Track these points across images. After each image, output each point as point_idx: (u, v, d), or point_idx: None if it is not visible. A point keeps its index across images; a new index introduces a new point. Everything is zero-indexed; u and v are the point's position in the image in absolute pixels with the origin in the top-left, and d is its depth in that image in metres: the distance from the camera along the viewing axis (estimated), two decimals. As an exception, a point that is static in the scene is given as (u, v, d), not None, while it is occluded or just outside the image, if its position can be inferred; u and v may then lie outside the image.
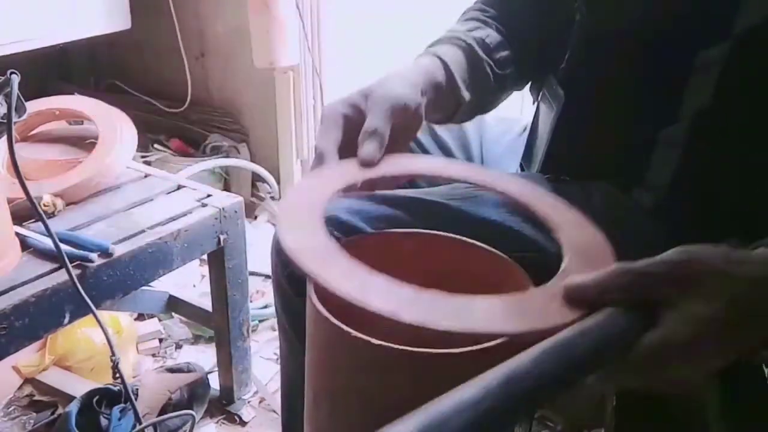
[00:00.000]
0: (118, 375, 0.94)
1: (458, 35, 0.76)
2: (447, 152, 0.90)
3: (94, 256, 0.93)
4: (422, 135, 0.88)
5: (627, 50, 0.72)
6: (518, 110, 1.48)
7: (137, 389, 1.16)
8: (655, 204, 0.70)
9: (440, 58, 0.72)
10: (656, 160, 0.70)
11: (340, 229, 0.65)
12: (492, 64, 0.78)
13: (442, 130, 0.90)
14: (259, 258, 1.51)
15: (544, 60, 0.82)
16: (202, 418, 1.26)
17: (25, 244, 0.95)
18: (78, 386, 1.26)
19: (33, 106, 1.13)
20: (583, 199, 0.70)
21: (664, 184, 0.69)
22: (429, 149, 0.89)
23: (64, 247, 0.88)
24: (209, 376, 1.30)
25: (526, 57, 0.82)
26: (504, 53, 0.80)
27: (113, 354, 0.93)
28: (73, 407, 1.12)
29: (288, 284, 0.70)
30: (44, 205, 1.02)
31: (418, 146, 0.87)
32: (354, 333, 0.50)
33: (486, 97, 0.80)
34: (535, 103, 0.85)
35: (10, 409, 1.28)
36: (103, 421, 1.10)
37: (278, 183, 1.97)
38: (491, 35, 0.79)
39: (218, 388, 1.32)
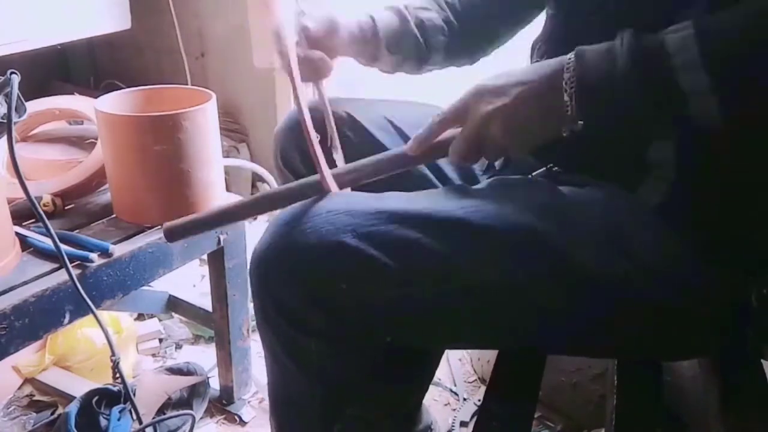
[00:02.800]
0: (118, 375, 0.93)
1: (399, 6, 0.92)
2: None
3: (94, 256, 0.93)
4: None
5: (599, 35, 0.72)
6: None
7: (135, 389, 1.16)
8: (660, 201, 0.69)
9: (371, 16, 0.89)
10: (657, 155, 0.70)
11: (349, 258, 0.63)
12: (420, 31, 0.91)
13: None
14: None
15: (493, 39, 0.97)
16: (202, 417, 1.26)
17: (25, 244, 0.95)
18: (78, 386, 1.26)
19: (33, 106, 1.13)
20: (594, 202, 0.70)
21: (666, 182, 0.68)
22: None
23: (63, 247, 0.88)
24: (209, 376, 1.30)
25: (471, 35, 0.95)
26: (438, 37, 0.93)
27: (113, 354, 0.93)
28: (73, 407, 1.12)
29: (275, 311, 0.68)
30: (44, 205, 1.02)
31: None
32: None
33: (413, 56, 0.93)
34: None
35: (10, 409, 1.28)
36: (103, 421, 1.10)
37: (278, 183, 1.97)
38: (433, 16, 0.93)
39: (218, 388, 1.32)
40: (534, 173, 0.78)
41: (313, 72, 0.87)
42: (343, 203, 0.67)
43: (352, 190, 0.75)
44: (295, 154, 0.93)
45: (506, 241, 0.66)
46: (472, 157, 0.68)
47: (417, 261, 0.65)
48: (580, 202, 0.70)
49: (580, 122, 0.61)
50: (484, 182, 0.75)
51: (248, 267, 1.21)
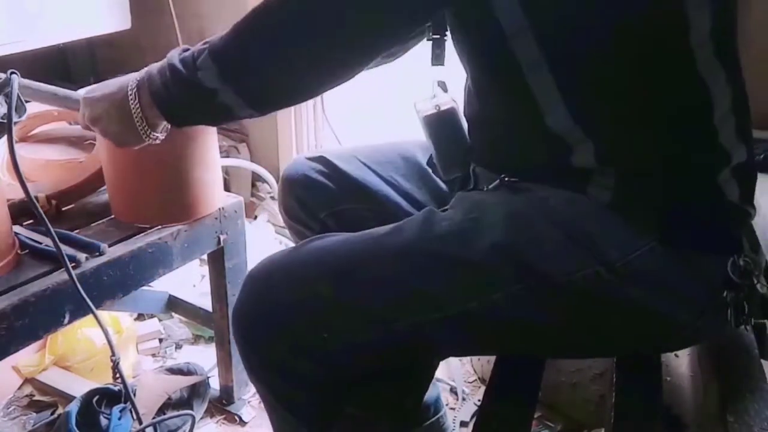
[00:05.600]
0: (118, 375, 0.93)
1: None
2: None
3: (82, 256, 0.93)
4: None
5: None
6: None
7: (135, 389, 1.16)
8: (611, 197, 0.69)
9: None
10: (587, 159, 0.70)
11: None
12: None
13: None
14: (259, 258, 1.51)
15: None
16: (202, 417, 1.26)
17: (23, 244, 0.95)
18: (78, 386, 1.26)
19: (32, 107, 1.13)
20: (539, 202, 0.71)
21: (610, 179, 0.68)
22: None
23: (51, 247, 0.87)
24: (209, 375, 1.30)
25: None
26: None
27: (113, 354, 0.93)
28: (73, 407, 1.12)
29: (262, 368, 0.72)
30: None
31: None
32: None
33: None
34: None
35: (10, 409, 1.28)
36: (103, 421, 1.10)
37: (278, 183, 1.97)
38: None
39: (218, 388, 1.32)
40: (491, 185, 0.79)
41: None
42: (314, 253, 0.71)
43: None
44: (294, 203, 0.98)
45: (478, 267, 0.68)
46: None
47: (395, 297, 0.68)
48: (539, 210, 0.71)
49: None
50: (448, 206, 0.78)
51: (248, 267, 1.22)
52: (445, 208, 0.76)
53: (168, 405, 1.20)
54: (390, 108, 1.86)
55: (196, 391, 1.25)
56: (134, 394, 1.12)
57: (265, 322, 0.69)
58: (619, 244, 0.67)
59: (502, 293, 0.67)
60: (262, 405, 1.31)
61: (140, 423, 1.04)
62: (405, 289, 0.68)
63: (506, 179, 0.76)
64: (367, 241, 0.72)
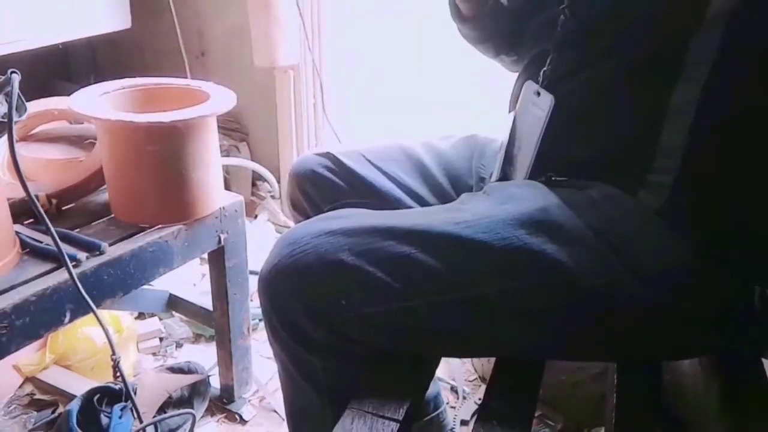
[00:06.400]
0: (119, 374, 0.94)
1: None
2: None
3: (82, 255, 0.93)
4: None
5: (614, 45, 0.72)
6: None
7: (135, 388, 1.16)
8: (661, 204, 0.69)
9: None
10: (659, 159, 0.70)
11: (349, 277, 0.67)
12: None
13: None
14: (259, 257, 1.51)
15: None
16: (202, 416, 1.26)
17: (23, 243, 0.95)
18: (78, 385, 1.26)
19: (32, 107, 1.13)
20: (590, 206, 0.71)
21: (667, 185, 0.69)
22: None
23: (50, 246, 0.88)
24: (210, 374, 1.30)
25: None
26: None
27: (114, 353, 0.93)
28: (74, 406, 1.12)
29: (282, 328, 0.72)
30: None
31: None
32: None
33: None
34: (512, 113, 0.86)
35: (11, 408, 1.28)
36: (104, 420, 1.11)
37: (278, 182, 1.97)
38: None
39: (219, 386, 1.32)
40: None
41: None
42: (342, 223, 0.71)
43: None
44: (300, 197, 1.00)
45: (499, 256, 0.68)
46: None
47: (413, 276, 0.68)
48: (573, 205, 0.71)
49: None
50: (478, 192, 0.78)
51: (248, 266, 1.22)
52: (473, 200, 0.77)
53: (168, 403, 1.20)
54: (390, 108, 1.86)
55: (197, 389, 1.25)
56: (135, 393, 1.12)
57: (290, 284, 0.70)
58: (650, 249, 0.67)
59: (520, 284, 0.67)
60: (262, 404, 1.32)
61: (141, 421, 1.04)
62: (425, 267, 0.68)
63: (552, 178, 0.76)
64: (395, 218, 0.73)
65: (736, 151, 0.67)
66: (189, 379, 1.25)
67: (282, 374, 0.80)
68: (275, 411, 1.30)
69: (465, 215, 0.71)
